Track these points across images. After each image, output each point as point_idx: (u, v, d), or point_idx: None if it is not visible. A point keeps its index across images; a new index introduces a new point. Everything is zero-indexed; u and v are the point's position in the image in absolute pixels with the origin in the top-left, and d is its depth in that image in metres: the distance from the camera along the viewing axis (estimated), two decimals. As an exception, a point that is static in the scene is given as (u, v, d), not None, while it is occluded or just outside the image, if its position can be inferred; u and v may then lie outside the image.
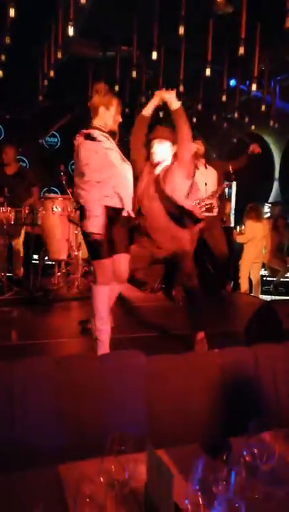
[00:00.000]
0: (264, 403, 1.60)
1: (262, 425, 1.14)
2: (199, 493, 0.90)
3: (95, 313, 2.55)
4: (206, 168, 4.12)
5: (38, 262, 4.69)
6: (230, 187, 4.27)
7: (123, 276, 2.69)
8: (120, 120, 2.56)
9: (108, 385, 1.59)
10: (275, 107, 6.61)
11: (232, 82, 5.77)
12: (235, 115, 6.50)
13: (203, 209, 3.87)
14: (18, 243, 4.85)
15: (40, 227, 4.35)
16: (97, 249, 2.48)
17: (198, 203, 3.83)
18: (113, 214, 2.49)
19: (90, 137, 2.42)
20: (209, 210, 3.97)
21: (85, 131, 2.46)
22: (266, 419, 1.17)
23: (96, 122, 2.52)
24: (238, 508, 0.88)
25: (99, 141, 2.43)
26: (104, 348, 2.53)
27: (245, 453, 1.07)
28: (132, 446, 1.01)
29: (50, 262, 5.12)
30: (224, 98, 5.51)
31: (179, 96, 2.71)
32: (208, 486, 0.93)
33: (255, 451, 1.07)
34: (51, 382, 1.55)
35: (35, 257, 4.90)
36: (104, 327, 2.54)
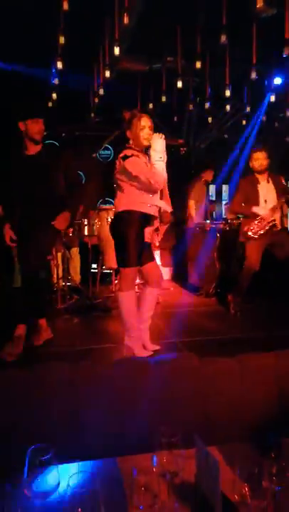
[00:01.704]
0: None
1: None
2: (246, 485, 0.95)
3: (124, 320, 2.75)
4: (268, 182, 3.94)
5: (95, 270, 4.90)
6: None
7: (158, 280, 2.86)
8: (146, 136, 2.69)
9: (162, 386, 1.67)
10: None
11: (278, 81, 5.63)
12: (287, 114, 6.35)
13: (267, 227, 3.84)
14: (75, 253, 5.10)
15: (96, 237, 4.56)
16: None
17: (259, 222, 3.82)
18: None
19: (125, 157, 2.67)
20: (273, 227, 3.88)
21: (120, 155, 2.72)
22: None
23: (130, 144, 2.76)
24: (285, 502, 0.92)
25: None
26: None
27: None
28: (183, 441, 1.08)
29: (107, 271, 5.33)
30: (273, 98, 5.42)
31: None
32: (256, 480, 0.97)
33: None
34: (110, 382, 1.66)
35: (94, 266, 5.13)
36: (134, 333, 2.70)
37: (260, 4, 3.19)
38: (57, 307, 4.09)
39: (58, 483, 0.97)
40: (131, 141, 2.75)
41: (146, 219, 2.72)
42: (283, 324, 3.51)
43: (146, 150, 2.72)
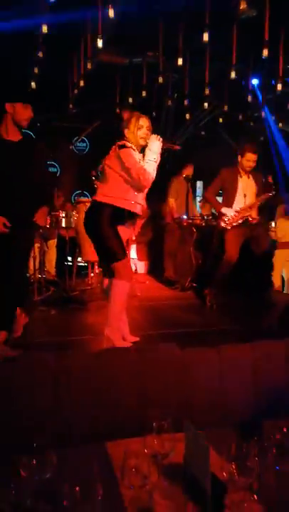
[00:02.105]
0: (294, 391, 1.69)
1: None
2: (233, 465, 1.01)
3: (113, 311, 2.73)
4: (248, 178, 3.98)
5: (71, 263, 4.88)
6: (269, 199, 4.06)
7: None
8: (143, 135, 2.70)
9: (146, 375, 1.72)
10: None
11: (255, 81, 5.76)
12: (262, 114, 6.51)
13: (240, 220, 3.92)
14: (52, 245, 5.05)
15: (74, 229, 4.54)
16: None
17: (236, 214, 3.90)
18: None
19: (123, 146, 2.65)
20: (246, 222, 3.94)
21: (118, 142, 2.68)
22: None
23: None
24: (268, 479, 0.99)
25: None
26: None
27: (275, 433, 1.17)
28: (170, 425, 1.13)
29: (83, 264, 5.32)
30: (249, 98, 5.55)
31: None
32: (242, 460, 1.03)
33: (285, 430, 1.17)
34: (92, 372, 1.69)
35: (69, 258, 5.10)
36: (116, 324, 2.73)
37: (243, 6, 3.26)
38: (33, 299, 4.06)
39: (55, 466, 1.01)
40: (128, 139, 2.72)
41: (128, 216, 2.73)
42: (257, 317, 3.63)
43: (142, 150, 2.73)
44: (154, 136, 2.69)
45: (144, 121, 2.71)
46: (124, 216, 2.71)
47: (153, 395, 1.67)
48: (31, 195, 2.77)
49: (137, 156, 2.68)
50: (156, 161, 2.67)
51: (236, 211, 3.91)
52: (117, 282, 2.68)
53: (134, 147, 2.68)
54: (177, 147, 2.76)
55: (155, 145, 2.67)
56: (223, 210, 3.93)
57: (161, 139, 2.70)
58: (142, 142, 2.70)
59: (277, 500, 0.99)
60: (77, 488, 0.90)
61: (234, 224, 3.92)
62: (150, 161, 2.65)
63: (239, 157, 3.92)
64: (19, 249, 2.73)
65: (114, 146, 2.70)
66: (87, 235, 2.84)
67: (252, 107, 6.78)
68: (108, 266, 2.76)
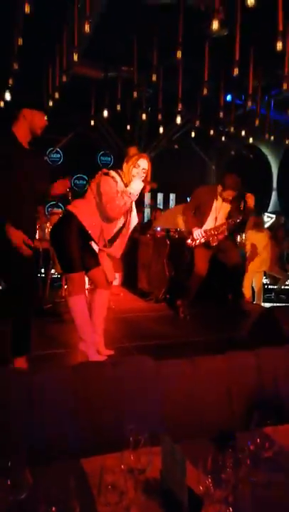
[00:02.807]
0: (266, 402, 1.72)
1: (264, 421, 1.27)
2: (209, 478, 1.02)
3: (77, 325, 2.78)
4: (223, 201, 4.01)
5: (44, 275, 4.83)
6: (235, 225, 4.08)
7: (104, 282, 2.93)
8: (135, 173, 2.78)
9: (121, 388, 1.71)
10: (270, 119, 6.82)
11: (228, 97, 5.96)
12: (232, 129, 6.70)
13: (203, 240, 4.01)
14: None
15: (47, 241, 4.50)
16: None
17: (202, 235, 3.98)
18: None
19: (106, 174, 2.78)
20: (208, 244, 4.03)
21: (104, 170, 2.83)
22: (268, 415, 1.30)
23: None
24: (243, 491, 1.01)
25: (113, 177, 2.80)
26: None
27: (249, 444, 1.20)
28: (147, 439, 1.13)
29: (56, 276, 5.27)
30: (221, 114, 5.70)
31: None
32: (217, 473, 1.05)
33: (258, 441, 1.20)
34: (67, 386, 1.67)
35: (42, 270, 5.04)
36: (88, 339, 2.75)
37: (215, 26, 3.38)
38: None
39: (31, 483, 0.99)
40: (122, 173, 2.83)
41: (86, 234, 2.77)
42: (230, 327, 3.70)
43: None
44: (139, 176, 2.78)
45: (143, 163, 2.81)
46: (83, 231, 2.75)
47: (128, 409, 1.66)
48: (34, 207, 2.68)
49: (119, 188, 2.74)
50: (130, 197, 2.73)
51: (204, 231, 4.00)
52: (70, 300, 2.73)
53: (119, 179, 2.75)
54: (155, 186, 2.87)
55: (136, 183, 2.76)
56: (194, 229, 4.01)
57: (143, 180, 2.79)
58: (132, 180, 2.79)
59: (251, 512, 1.01)
60: (53, 508, 0.89)
61: (197, 243, 4.02)
62: (124, 195, 2.74)
63: (220, 187, 3.97)
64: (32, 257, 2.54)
65: (100, 172, 2.81)
66: (51, 240, 2.89)
67: (223, 123, 6.97)
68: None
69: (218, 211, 4.02)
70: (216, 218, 4.02)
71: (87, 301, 2.81)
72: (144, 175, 2.80)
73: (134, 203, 2.84)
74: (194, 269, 4.08)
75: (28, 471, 1.01)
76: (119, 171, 2.82)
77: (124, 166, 2.82)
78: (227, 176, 3.96)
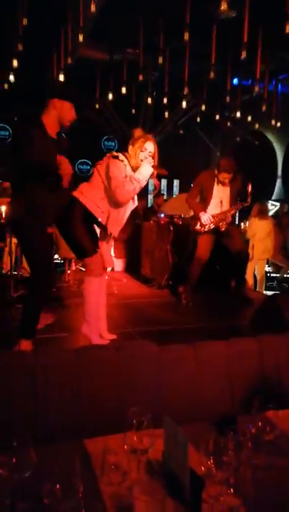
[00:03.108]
0: (267, 387, 1.74)
1: (265, 405, 1.28)
2: (211, 459, 1.04)
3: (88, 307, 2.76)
4: (224, 186, 4.00)
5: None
6: (243, 209, 4.11)
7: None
8: (142, 157, 2.70)
9: (123, 372, 1.73)
10: (277, 104, 6.71)
11: (235, 81, 5.86)
12: (238, 114, 6.60)
13: (212, 226, 3.98)
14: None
15: (51, 226, 4.48)
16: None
17: (211, 220, 3.96)
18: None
19: (115, 157, 2.68)
20: (216, 230, 4.01)
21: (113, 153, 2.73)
22: (269, 400, 1.31)
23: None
24: (245, 473, 1.03)
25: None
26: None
27: (250, 427, 1.21)
28: (150, 421, 1.14)
29: (59, 261, 5.28)
30: (228, 99, 5.62)
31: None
32: (219, 455, 1.06)
33: (260, 425, 1.21)
34: (70, 369, 1.69)
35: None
36: (93, 322, 2.77)
37: (224, 7, 3.29)
38: (9, 296, 4.00)
39: (35, 462, 1.00)
40: (128, 155, 2.74)
41: (93, 218, 2.74)
42: (232, 313, 3.71)
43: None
44: (147, 160, 2.69)
45: (150, 146, 2.72)
46: (92, 219, 2.72)
47: (131, 392, 1.68)
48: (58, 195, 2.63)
49: (128, 172, 2.67)
50: (139, 182, 2.66)
51: (212, 216, 3.98)
52: (87, 279, 2.72)
53: (126, 163, 2.67)
54: (165, 172, 2.74)
55: (145, 168, 2.68)
56: (201, 214, 3.98)
57: (152, 164, 2.70)
58: (139, 164, 2.70)
59: (252, 494, 1.03)
60: (57, 486, 0.90)
61: (206, 229, 4.00)
62: (133, 180, 2.65)
63: (216, 170, 3.98)
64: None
65: (109, 154, 2.70)
66: (59, 229, 2.86)
67: (229, 108, 6.87)
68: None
69: (221, 195, 4.01)
70: (220, 202, 4.00)
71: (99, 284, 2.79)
72: (152, 159, 2.71)
73: None
74: (195, 255, 4.07)
75: (33, 450, 1.03)
76: (126, 153, 2.74)
77: (130, 148, 2.72)
78: (222, 159, 3.99)
